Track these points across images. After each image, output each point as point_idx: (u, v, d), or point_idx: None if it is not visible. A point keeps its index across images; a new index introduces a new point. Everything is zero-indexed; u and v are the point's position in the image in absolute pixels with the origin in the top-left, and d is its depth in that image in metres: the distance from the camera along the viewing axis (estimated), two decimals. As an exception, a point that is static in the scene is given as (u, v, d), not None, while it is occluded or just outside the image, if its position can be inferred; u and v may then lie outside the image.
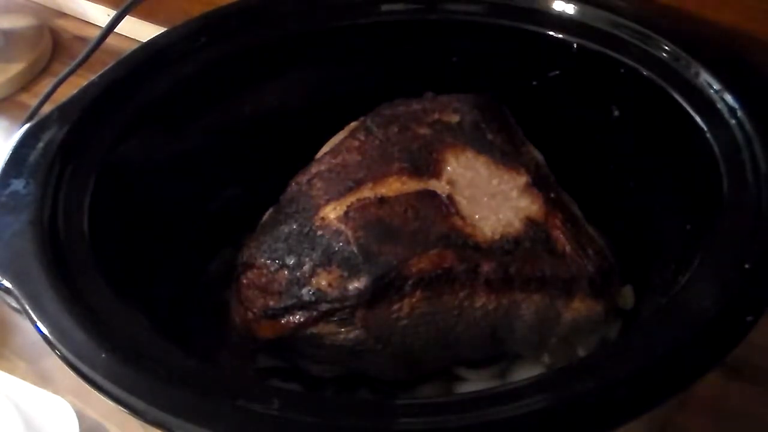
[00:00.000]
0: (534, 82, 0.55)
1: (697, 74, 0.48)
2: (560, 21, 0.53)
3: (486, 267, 0.42)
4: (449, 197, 0.44)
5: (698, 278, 0.38)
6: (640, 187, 0.53)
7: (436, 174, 0.46)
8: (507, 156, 0.47)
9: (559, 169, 0.50)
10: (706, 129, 0.46)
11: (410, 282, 0.42)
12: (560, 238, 0.44)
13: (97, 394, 0.35)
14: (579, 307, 0.43)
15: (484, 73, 0.57)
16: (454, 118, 0.49)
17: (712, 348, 0.35)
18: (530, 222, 0.44)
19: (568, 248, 0.43)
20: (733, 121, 0.45)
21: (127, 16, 0.62)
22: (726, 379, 0.53)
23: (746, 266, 0.38)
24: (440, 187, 0.45)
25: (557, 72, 0.54)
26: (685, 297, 0.38)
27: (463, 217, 0.44)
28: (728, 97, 0.46)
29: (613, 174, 0.54)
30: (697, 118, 0.47)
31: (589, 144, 0.55)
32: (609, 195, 0.54)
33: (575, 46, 0.52)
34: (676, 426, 0.51)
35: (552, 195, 0.46)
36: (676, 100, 0.48)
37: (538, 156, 0.50)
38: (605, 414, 0.33)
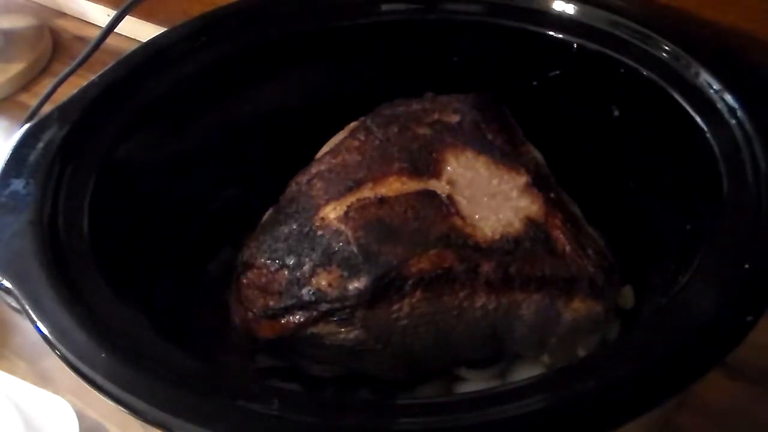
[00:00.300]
0: (534, 82, 0.55)
1: (697, 74, 0.48)
2: (560, 21, 0.53)
3: (486, 267, 0.42)
4: (449, 197, 0.44)
5: (698, 278, 0.38)
6: (640, 187, 0.53)
7: (436, 174, 0.46)
8: (507, 156, 0.47)
9: (559, 169, 0.50)
10: (706, 129, 0.46)
11: (410, 282, 0.42)
12: (560, 238, 0.44)
13: (97, 394, 0.35)
14: (579, 307, 0.43)
15: (484, 73, 0.57)
16: (454, 118, 0.49)
17: (711, 348, 0.35)
18: (530, 222, 0.44)
19: (568, 248, 0.43)
20: (733, 121, 0.45)
21: (127, 16, 0.62)
22: (726, 379, 0.53)
23: (746, 266, 0.38)
24: (440, 187, 0.45)
25: (557, 72, 0.54)
26: (685, 297, 0.38)
27: (463, 217, 0.43)
28: (728, 97, 0.46)
29: (613, 174, 0.54)
30: (697, 118, 0.47)
31: (589, 144, 0.55)
32: (609, 195, 0.54)
33: (575, 46, 0.52)
34: (676, 426, 0.51)
35: (552, 195, 0.46)
36: (676, 100, 0.48)
37: (538, 156, 0.49)
38: (605, 414, 0.33)
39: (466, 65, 0.57)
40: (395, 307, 0.42)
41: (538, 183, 0.46)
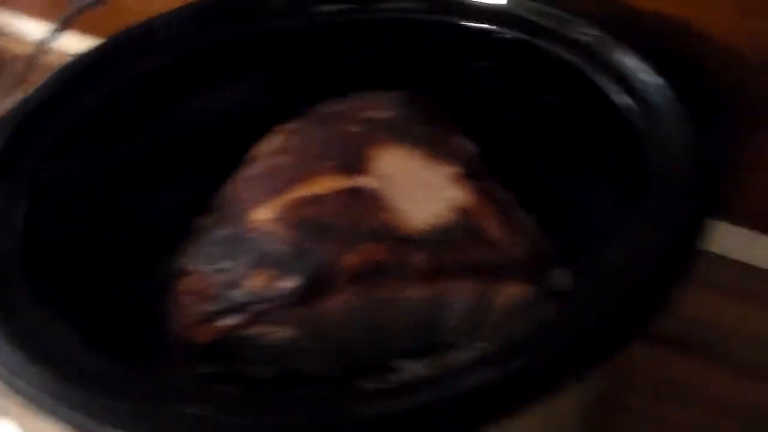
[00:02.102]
0: (464, 75, 0.56)
1: (623, 58, 0.49)
2: (488, 13, 0.54)
3: (416, 258, 0.42)
4: (380, 192, 0.45)
5: (623, 255, 0.39)
6: (573, 172, 0.53)
7: (367, 170, 0.46)
8: (438, 148, 0.47)
9: (494, 158, 0.51)
10: (632, 111, 0.47)
11: (342, 277, 0.42)
12: (492, 225, 0.44)
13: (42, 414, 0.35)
14: (511, 293, 0.44)
15: (416, 69, 0.57)
16: (385, 115, 0.49)
17: (632, 321, 0.35)
18: (461, 211, 0.44)
19: (499, 235, 0.44)
20: (659, 103, 0.46)
21: (71, 31, 0.61)
22: (668, 353, 0.54)
23: (670, 242, 0.39)
24: (371, 182, 0.45)
25: (487, 63, 0.55)
26: (610, 273, 0.38)
27: (393, 211, 0.44)
28: (655, 80, 0.47)
29: (547, 161, 0.54)
30: (624, 102, 0.48)
31: (522, 132, 0.55)
32: (544, 181, 0.54)
33: (503, 36, 0.53)
34: (617, 403, 0.52)
35: (484, 184, 0.46)
36: (604, 85, 0.49)
37: (470, 147, 0.50)
38: (531, 388, 0.33)
39: (399, 62, 0.58)
40: (328, 303, 0.42)
41: (470, 173, 0.47)
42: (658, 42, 0.52)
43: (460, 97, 0.55)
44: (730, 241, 0.61)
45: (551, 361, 0.34)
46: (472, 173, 0.47)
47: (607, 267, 0.39)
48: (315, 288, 0.42)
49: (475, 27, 0.54)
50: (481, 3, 0.54)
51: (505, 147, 0.54)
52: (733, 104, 0.57)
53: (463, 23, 0.55)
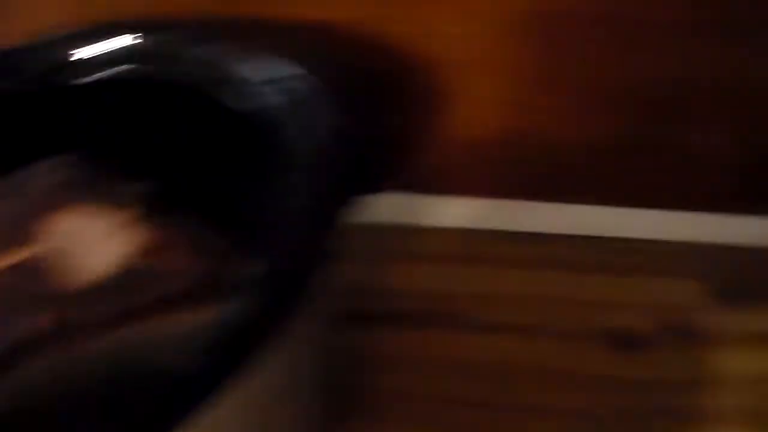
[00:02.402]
0: (131, 123, 0.58)
1: (264, 63, 0.54)
2: (121, 58, 0.57)
3: (99, 310, 0.44)
4: (53, 258, 0.46)
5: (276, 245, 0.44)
6: (251, 186, 0.56)
7: (40, 239, 0.47)
8: (109, 199, 0.49)
9: (176, 192, 0.53)
10: (282, 110, 0.52)
11: (21, 349, 0.43)
12: (171, 258, 0.47)
13: None
14: (203, 312, 0.45)
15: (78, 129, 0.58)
16: (53, 180, 0.51)
17: (285, 304, 0.40)
18: (139, 253, 0.47)
19: (181, 264, 0.47)
20: (307, 96, 0.51)
21: None
22: (391, 331, 0.60)
23: (316, 223, 0.44)
24: (43, 251, 0.47)
25: (145, 107, 0.58)
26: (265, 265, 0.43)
27: (67, 274, 0.46)
28: (298, 75, 0.52)
29: (224, 182, 0.57)
30: (273, 102, 0.52)
31: (196, 163, 0.57)
32: (231, 201, 0.56)
33: (138, 80, 0.56)
34: (360, 383, 0.56)
35: (159, 222, 0.49)
36: (248, 93, 0.53)
37: (143, 191, 0.52)
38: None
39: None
40: (15, 374, 0.43)
41: (145, 216, 0.49)
42: (299, 42, 0.57)
43: (131, 146, 0.57)
44: (417, 209, 0.68)
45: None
46: (149, 215, 0.49)
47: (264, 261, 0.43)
48: (6, 359, 0.43)
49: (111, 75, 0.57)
50: (110, 51, 0.57)
51: (186, 179, 0.57)
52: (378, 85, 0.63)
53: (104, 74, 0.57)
